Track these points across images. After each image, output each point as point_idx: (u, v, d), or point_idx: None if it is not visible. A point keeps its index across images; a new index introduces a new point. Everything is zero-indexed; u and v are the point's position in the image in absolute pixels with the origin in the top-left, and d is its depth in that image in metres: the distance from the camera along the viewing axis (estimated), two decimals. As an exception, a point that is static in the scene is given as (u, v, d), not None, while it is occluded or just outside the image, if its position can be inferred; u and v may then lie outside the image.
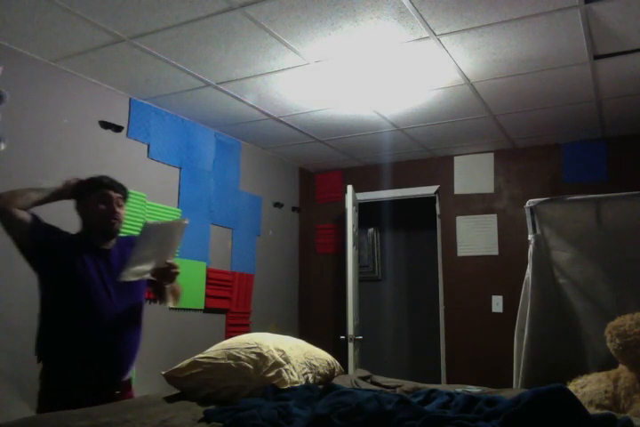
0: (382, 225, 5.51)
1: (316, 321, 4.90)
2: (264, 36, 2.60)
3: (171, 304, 2.39)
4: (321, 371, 2.49)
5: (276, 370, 2.20)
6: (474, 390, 2.48)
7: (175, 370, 2.23)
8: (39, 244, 2.06)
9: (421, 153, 4.53)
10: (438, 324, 4.51)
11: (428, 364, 4.77)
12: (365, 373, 2.83)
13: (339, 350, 3.96)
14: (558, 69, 2.94)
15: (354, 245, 4.36)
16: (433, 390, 2.12)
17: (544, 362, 3.16)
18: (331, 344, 4.27)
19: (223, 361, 2.20)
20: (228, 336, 3.53)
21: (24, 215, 2.03)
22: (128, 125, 3.34)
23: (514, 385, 3.27)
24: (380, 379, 2.70)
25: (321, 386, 2.30)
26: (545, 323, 3.22)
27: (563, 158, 4.19)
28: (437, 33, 2.56)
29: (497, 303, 4.22)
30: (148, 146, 3.47)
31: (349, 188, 4.35)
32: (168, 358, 3.25)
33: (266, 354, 2.24)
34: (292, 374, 2.24)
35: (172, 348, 3.47)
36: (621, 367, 2.74)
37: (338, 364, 2.68)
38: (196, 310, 3.72)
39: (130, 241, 2.28)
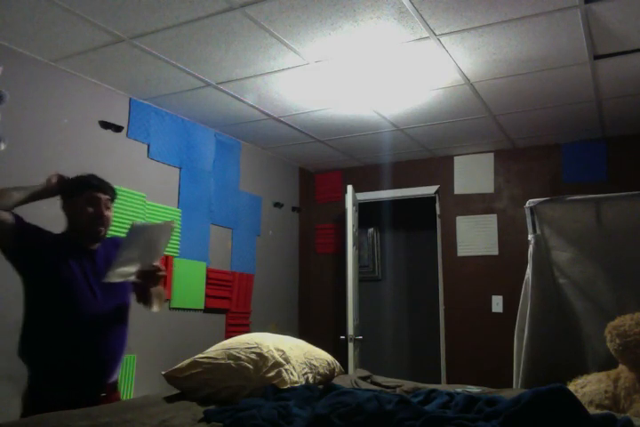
0: (382, 225, 5.51)
1: (316, 321, 4.90)
2: (264, 36, 2.60)
3: (155, 308, 2.32)
4: (321, 371, 2.49)
5: (275, 370, 2.20)
6: (474, 390, 2.48)
7: (175, 370, 2.23)
8: (22, 245, 2.01)
9: (421, 153, 4.53)
10: (438, 324, 4.51)
11: (428, 364, 4.77)
12: (365, 373, 2.84)
13: (339, 350, 3.96)
14: (558, 69, 2.94)
15: (354, 245, 4.36)
16: (433, 390, 2.12)
17: (544, 362, 3.16)
18: (331, 344, 4.27)
19: (223, 361, 2.20)
20: (228, 336, 3.53)
21: (6, 216, 1.97)
22: (128, 125, 3.34)
23: (514, 385, 3.27)
24: (380, 379, 2.71)
25: (321, 386, 2.30)
26: (545, 323, 3.22)
27: (563, 158, 4.19)
28: (437, 33, 2.56)
29: (497, 303, 4.22)
30: (148, 146, 3.47)
31: (349, 188, 4.35)
32: (168, 358, 3.25)
33: (266, 354, 2.24)
34: (292, 374, 2.24)
35: (172, 348, 3.47)
36: (621, 367, 2.74)
37: (338, 364, 2.68)
38: (195, 310, 3.72)
39: (115, 241, 2.26)
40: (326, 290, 4.95)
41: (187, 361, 2.25)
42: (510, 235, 4.25)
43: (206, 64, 2.91)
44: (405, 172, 4.74)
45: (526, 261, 3.38)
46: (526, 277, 3.34)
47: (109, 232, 2.70)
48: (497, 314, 4.20)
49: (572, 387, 2.75)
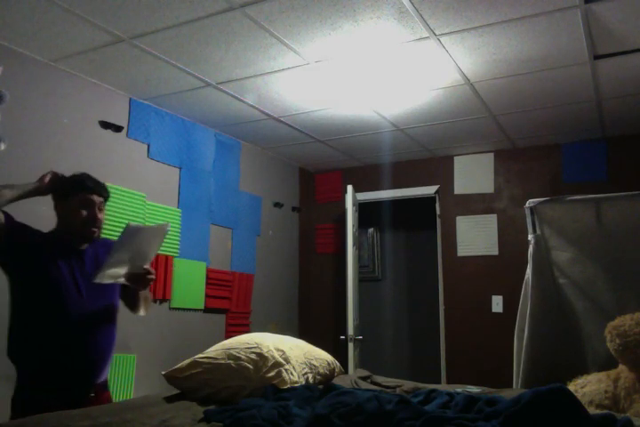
0: (382, 225, 5.51)
1: (316, 321, 4.90)
2: (264, 36, 2.60)
3: (142, 312, 2.31)
4: (321, 371, 2.49)
5: (275, 370, 2.20)
6: (474, 390, 2.48)
7: (175, 370, 2.23)
8: (11, 244, 1.98)
9: (421, 153, 4.53)
10: (438, 324, 4.51)
11: (428, 364, 4.77)
12: (365, 373, 2.84)
13: (339, 350, 3.96)
14: (558, 69, 2.94)
15: (354, 245, 4.36)
16: (433, 390, 2.12)
17: (544, 362, 3.16)
18: (331, 344, 4.27)
19: (223, 361, 2.20)
20: (228, 336, 3.54)
21: None
22: (128, 125, 3.34)
23: (514, 385, 3.27)
24: (380, 379, 2.71)
25: (321, 386, 2.30)
26: (545, 323, 3.22)
27: (563, 158, 4.19)
28: (437, 33, 2.56)
29: (497, 303, 4.22)
30: (148, 146, 3.47)
31: (349, 188, 4.35)
32: (168, 358, 3.26)
33: (266, 354, 2.24)
34: (292, 374, 2.24)
35: (172, 348, 3.47)
36: (621, 367, 2.74)
37: (338, 364, 2.68)
38: (195, 310, 3.72)
39: (104, 242, 2.25)
40: (326, 290, 4.95)
41: (187, 361, 2.25)
42: (510, 235, 4.25)
43: (206, 64, 2.91)
44: (405, 172, 4.74)
45: (526, 261, 3.38)
46: (526, 277, 3.34)
47: (105, 232, 2.70)
48: (497, 314, 4.20)
49: (572, 387, 2.75)
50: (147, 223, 3.35)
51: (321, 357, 2.57)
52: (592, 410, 2.39)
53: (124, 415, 1.79)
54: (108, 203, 3.11)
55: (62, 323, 2.03)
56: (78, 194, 2.09)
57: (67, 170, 2.94)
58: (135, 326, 3.18)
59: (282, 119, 3.76)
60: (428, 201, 4.71)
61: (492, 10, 2.37)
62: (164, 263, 3.46)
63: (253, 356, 2.22)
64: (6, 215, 1.99)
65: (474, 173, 4.47)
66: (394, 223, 5.46)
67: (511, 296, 3.97)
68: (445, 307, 4.45)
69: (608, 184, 3.94)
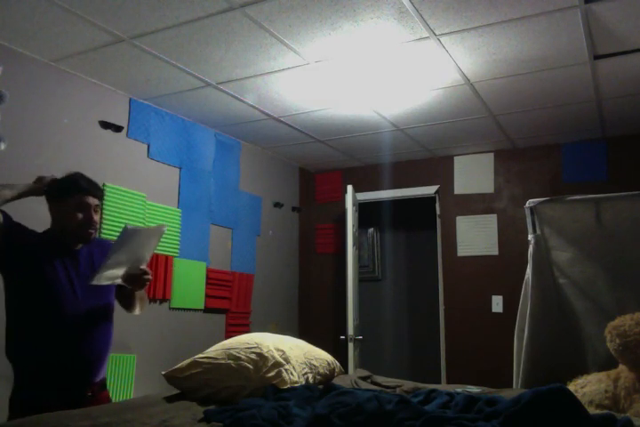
0: (382, 225, 5.51)
1: (316, 321, 4.90)
2: (264, 36, 2.60)
3: (137, 312, 2.30)
4: (321, 371, 2.49)
5: (276, 370, 2.20)
6: (474, 390, 2.48)
7: (175, 370, 2.23)
8: (8, 244, 1.98)
9: (421, 153, 4.53)
10: (438, 324, 4.51)
11: (428, 364, 4.77)
12: (365, 373, 2.84)
13: (339, 350, 3.96)
14: (558, 69, 2.94)
15: (354, 245, 4.36)
16: (433, 390, 2.12)
17: (544, 362, 3.16)
18: (331, 344, 4.27)
19: (223, 361, 2.20)
20: (228, 336, 3.54)
21: None
22: (128, 125, 3.34)
23: (514, 385, 3.27)
24: (380, 379, 2.71)
25: (321, 386, 2.30)
26: (545, 323, 3.22)
27: (563, 158, 4.19)
28: (437, 33, 2.56)
29: (497, 303, 4.22)
30: (148, 146, 3.47)
31: (349, 188, 4.35)
32: (168, 358, 3.26)
33: (266, 354, 2.24)
34: (292, 374, 2.24)
35: (172, 348, 3.47)
36: (621, 367, 2.74)
37: (338, 364, 2.68)
38: (195, 310, 3.72)
39: (99, 242, 2.25)
40: (326, 290, 4.95)
41: (187, 361, 2.25)
42: (510, 235, 4.24)
43: (206, 64, 2.91)
44: (405, 172, 4.74)
45: (526, 261, 3.38)
46: (526, 277, 3.34)
47: (105, 232, 2.70)
48: (497, 314, 4.20)
49: (571, 387, 2.75)
50: (147, 223, 3.35)
51: (321, 357, 2.57)
52: (592, 410, 2.39)
53: (123, 415, 1.79)
54: (108, 203, 3.15)
55: (58, 323, 2.03)
56: (74, 196, 2.08)
57: (67, 170, 2.93)
58: (135, 326, 3.18)
59: (282, 119, 3.76)
60: (428, 201, 4.71)
61: (492, 10, 2.37)
62: (164, 263, 3.46)
63: (253, 356, 2.22)
64: (5, 215, 1.99)
65: (474, 173, 4.47)
66: (394, 223, 5.46)
67: (511, 296, 3.97)
68: (445, 307, 4.45)
69: (608, 184, 3.94)
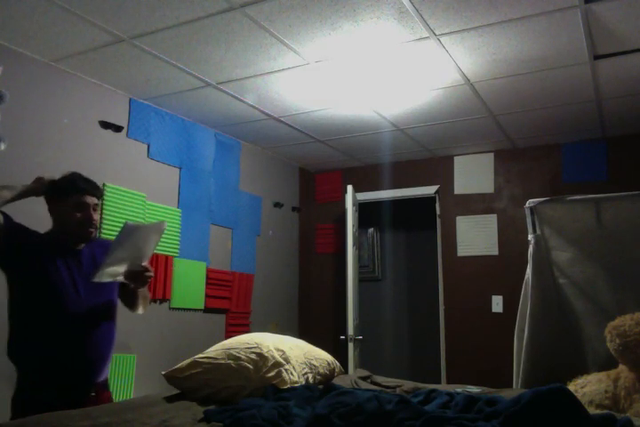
0: (382, 225, 5.51)
1: (316, 321, 4.90)
2: (264, 36, 2.60)
3: (140, 311, 2.32)
4: (321, 371, 2.49)
5: (276, 370, 2.20)
6: (474, 390, 2.48)
7: (175, 370, 2.23)
8: (10, 244, 1.99)
9: (421, 153, 4.53)
10: (438, 324, 4.50)
11: (428, 364, 4.77)
12: (365, 373, 2.83)
13: (339, 350, 3.96)
14: (558, 69, 2.94)
15: (354, 245, 4.36)
16: (433, 390, 2.12)
17: (544, 362, 3.16)
18: (331, 344, 4.27)
19: (223, 361, 2.20)
20: (227, 336, 3.53)
21: None
22: (128, 125, 3.34)
23: (514, 385, 3.27)
24: (379, 379, 2.70)
25: (321, 386, 2.30)
26: (545, 323, 3.22)
27: (563, 158, 4.19)
28: (437, 33, 2.56)
29: (497, 303, 4.22)
30: (148, 146, 3.47)
31: (349, 188, 4.35)
32: (168, 358, 3.26)
33: (266, 354, 2.24)
34: (291, 374, 2.24)
35: (172, 348, 3.47)
36: (621, 367, 2.74)
37: (338, 364, 2.68)
38: (195, 310, 3.72)
39: (100, 242, 2.26)
40: (326, 290, 4.95)
41: (187, 361, 2.25)
42: (510, 235, 4.24)
43: (206, 64, 2.91)
44: (405, 172, 4.74)
45: (526, 261, 3.38)
46: (526, 277, 3.34)
47: (105, 232, 2.70)
48: (497, 314, 4.20)
49: (571, 387, 2.75)
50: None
51: (321, 357, 2.57)
52: (592, 410, 2.39)
53: (124, 415, 1.79)
54: (108, 203, 3.15)
55: (61, 323, 2.04)
56: (72, 196, 2.09)
57: (67, 170, 2.93)
58: (135, 326, 3.18)
59: (282, 119, 3.76)
60: (428, 201, 4.71)
61: (492, 10, 2.37)
62: (164, 263, 3.46)
63: (253, 356, 2.22)
64: (5, 216, 2.00)
65: (474, 173, 4.47)
66: (394, 223, 5.46)
67: (511, 296, 3.96)
68: (445, 307, 4.45)
69: (608, 184, 3.94)
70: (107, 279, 2.06)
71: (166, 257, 3.48)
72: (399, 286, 5.45)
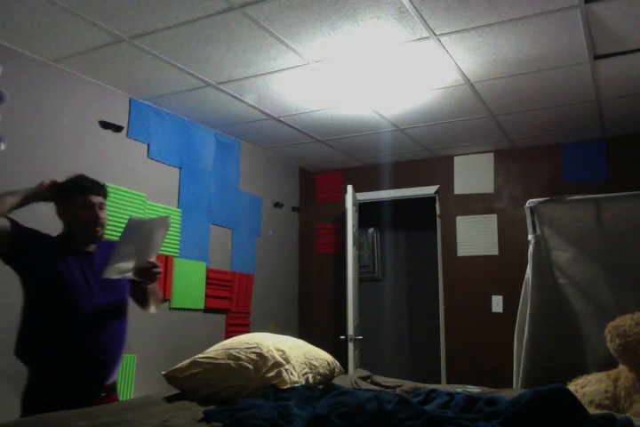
0: (382, 225, 5.50)
1: (315, 321, 4.90)
2: (264, 36, 2.60)
3: (152, 309, 2.34)
4: (321, 371, 2.49)
5: (276, 370, 2.20)
6: (474, 390, 2.48)
7: (175, 370, 2.23)
8: (20, 248, 2.02)
9: (421, 153, 4.53)
10: (438, 324, 4.50)
11: (428, 364, 4.77)
12: (365, 373, 2.83)
13: (339, 350, 3.96)
14: (558, 69, 2.94)
15: (354, 245, 4.36)
16: (433, 390, 2.12)
17: (544, 362, 3.16)
18: (331, 344, 4.27)
19: (223, 361, 2.20)
20: (227, 336, 3.53)
21: (2, 222, 1.97)
22: (128, 125, 3.34)
23: (514, 385, 3.27)
24: (379, 379, 2.70)
25: (321, 386, 2.30)
26: (545, 323, 3.22)
27: (563, 158, 4.19)
28: (437, 33, 2.56)
29: (497, 303, 4.22)
30: (148, 146, 3.47)
31: (349, 188, 4.35)
32: (168, 358, 3.26)
33: (266, 354, 2.24)
34: (292, 374, 2.24)
35: (172, 348, 3.47)
36: (621, 367, 2.74)
37: (338, 364, 2.68)
38: (195, 310, 3.72)
39: (111, 243, 2.28)
40: (326, 290, 4.95)
41: (187, 361, 2.25)
42: (510, 235, 4.24)
43: (206, 64, 2.91)
44: (405, 172, 4.74)
45: (526, 261, 3.38)
46: (526, 277, 3.34)
47: (107, 232, 2.70)
48: (497, 314, 4.20)
49: (571, 387, 2.75)
50: (147, 223, 3.35)
51: (321, 357, 2.56)
52: (592, 410, 2.39)
53: (124, 415, 1.79)
54: (108, 203, 3.12)
55: (74, 323, 2.06)
56: (77, 197, 2.12)
57: (67, 170, 2.93)
58: (135, 326, 3.16)
59: (282, 119, 3.76)
60: (428, 201, 4.71)
61: (492, 10, 2.37)
62: (164, 263, 3.46)
63: (253, 356, 2.22)
64: (11, 221, 2.02)
65: (474, 173, 4.47)
66: (394, 223, 5.46)
67: (511, 296, 3.96)
68: (445, 307, 4.45)
69: (608, 184, 3.94)
70: (116, 276, 2.09)
71: (166, 257, 3.49)
72: (399, 286, 5.45)
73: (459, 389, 2.44)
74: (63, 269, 2.07)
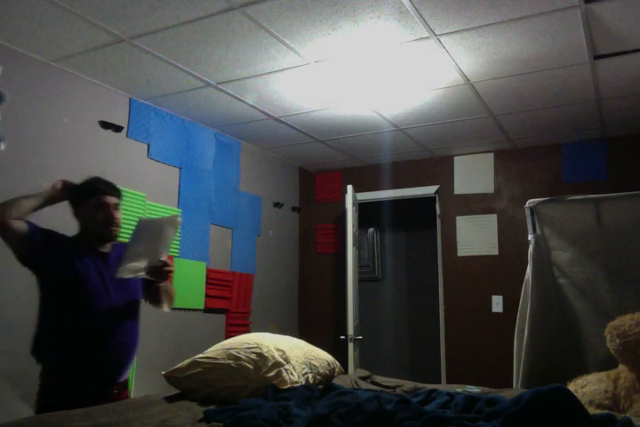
0: (382, 225, 5.51)
1: (315, 321, 4.90)
2: (264, 36, 2.60)
3: (166, 308, 2.38)
4: (321, 371, 2.49)
5: (276, 370, 2.20)
6: (474, 390, 2.48)
7: (175, 370, 2.23)
8: (37, 249, 2.07)
9: (421, 153, 4.53)
10: (438, 324, 4.50)
11: (428, 364, 4.77)
12: (365, 373, 2.83)
13: (339, 350, 3.96)
14: (558, 69, 2.94)
15: (354, 245, 4.36)
16: (433, 390, 2.12)
17: (544, 362, 3.16)
18: (331, 344, 4.27)
19: (223, 361, 2.20)
20: (227, 336, 3.53)
21: (20, 225, 2.04)
22: (128, 125, 3.34)
23: (514, 385, 3.27)
24: (379, 379, 2.70)
25: (321, 386, 2.30)
26: (545, 323, 3.22)
27: (563, 158, 4.19)
28: (437, 33, 2.56)
29: (497, 303, 4.22)
30: (148, 146, 3.47)
31: (349, 188, 4.35)
32: (168, 358, 3.26)
33: (266, 354, 2.24)
34: (292, 374, 2.24)
35: (172, 348, 3.47)
36: (621, 367, 2.74)
37: (338, 364, 2.68)
38: (195, 310, 3.72)
39: (125, 244, 2.30)
40: (326, 290, 4.95)
41: (187, 361, 2.25)
42: (510, 235, 4.24)
43: (206, 64, 2.91)
44: (405, 172, 4.74)
45: (526, 261, 3.38)
46: (526, 277, 3.34)
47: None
48: (497, 314, 4.20)
49: (571, 387, 2.75)
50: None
51: (321, 357, 2.56)
52: (592, 410, 2.39)
53: (124, 415, 1.80)
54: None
55: (90, 323, 2.11)
56: (92, 197, 2.20)
57: (67, 170, 2.94)
58: (135, 326, 3.17)
59: (282, 119, 3.76)
60: (428, 201, 4.71)
61: (492, 10, 2.37)
62: (164, 263, 3.46)
63: (253, 356, 2.22)
64: (29, 224, 2.08)
65: (474, 173, 4.47)
66: (394, 223, 5.46)
67: (511, 296, 3.97)
68: (445, 307, 4.45)
69: (608, 184, 3.94)
70: (129, 275, 2.13)
71: (166, 257, 3.48)
72: (399, 285, 5.45)
73: (459, 389, 2.44)
74: (80, 268, 2.12)
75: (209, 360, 2.22)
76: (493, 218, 4.35)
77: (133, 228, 2.14)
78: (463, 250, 4.42)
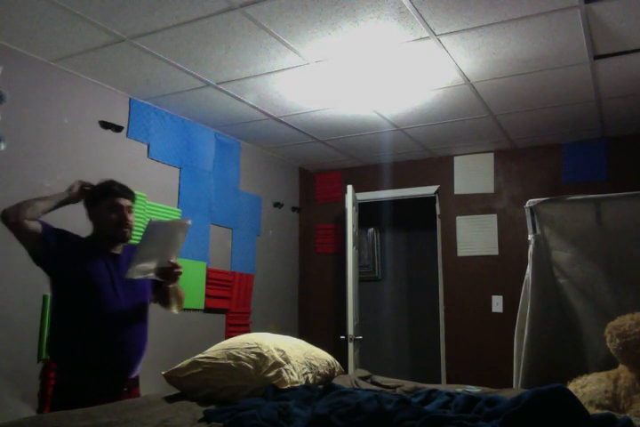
0: (382, 225, 5.50)
1: (315, 321, 4.90)
2: (264, 36, 2.60)
3: (175, 309, 2.41)
4: (321, 371, 2.49)
5: (276, 370, 2.20)
6: (474, 390, 2.48)
7: (175, 370, 2.23)
8: (51, 250, 2.11)
9: (421, 153, 4.53)
10: (438, 324, 4.50)
11: (428, 364, 4.77)
12: (365, 373, 2.83)
13: (339, 350, 3.96)
14: (558, 69, 2.94)
15: (354, 245, 4.36)
16: (433, 390, 2.12)
17: (544, 362, 3.16)
18: (331, 344, 4.27)
19: (223, 361, 2.20)
20: (228, 336, 3.53)
21: (35, 225, 2.08)
22: (128, 125, 3.34)
23: (514, 385, 3.27)
24: (379, 379, 2.70)
25: (321, 386, 2.30)
26: (545, 323, 3.22)
27: (563, 158, 4.19)
28: (437, 33, 2.56)
29: (497, 303, 4.22)
30: (148, 146, 3.47)
31: (349, 188, 4.35)
32: (168, 358, 3.25)
33: (266, 354, 2.24)
34: (292, 374, 2.24)
35: (172, 348, 3.47)
36: (621, 367, 2.74)
37: (338, 364, 2.68)
38: (195, 310, 3.72)
39: (135, 246, 2.34)
40: (326, 290, 4.95)
41: (187, 361, 2.25)
42: (510, 235, 4.24)
43: (206, 64, 2.91)
44: (405, 172, 4.74)
45: (526, 261, 3.38)
46: (526, 277, 3.34)
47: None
48: (497, 314, 4.20)
49: (571, 387, 2.75)
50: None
51: (321, 357, 2.56)
52: (592, 410, 2.39)
53: (124, 415, 1.80)
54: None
55: (101, 322, 2.15)
56: (106, 199, 2.24)
57: (67, 170, 2.94)
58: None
59: (282, 119, 3.75)
60: (428, 201, 4.71)
61: (492, 10, 2.37)
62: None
63: (253, 356, 2.22)
64: (43, 225, 2.12)
65: (474, 173, 4.47)
66: (394, 223, 5.46)
67: (511, 296, 3.97)
68: (445, 307, 4.45)
69: (608, 184, 3.94)
70: (138, 276, 2.16)
71: (166, 257, 3.48)
72: (399, 285, 5.44)
73: (459, 389, 2.44)
74: (91, 269, 2.16)
75: (209, 360, 2.22)
76: (493, 218, 4.35)
77: (143, 228, 2.18)
78: (463, 250, 4.42)
